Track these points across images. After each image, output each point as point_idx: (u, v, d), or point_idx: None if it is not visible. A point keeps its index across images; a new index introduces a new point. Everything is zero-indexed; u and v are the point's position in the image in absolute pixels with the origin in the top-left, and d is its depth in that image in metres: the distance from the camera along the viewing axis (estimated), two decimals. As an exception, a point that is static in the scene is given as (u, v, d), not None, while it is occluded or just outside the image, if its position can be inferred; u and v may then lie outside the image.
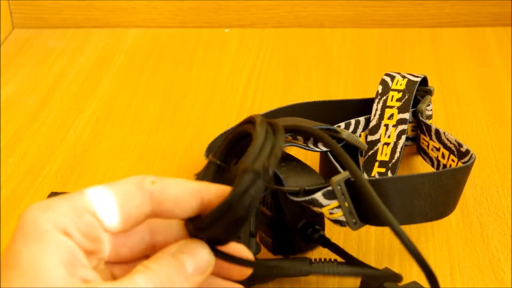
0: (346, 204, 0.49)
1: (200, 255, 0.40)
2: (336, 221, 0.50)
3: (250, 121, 0.44)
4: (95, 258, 0.40)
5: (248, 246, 0.48)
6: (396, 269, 0.53)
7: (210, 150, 0.60)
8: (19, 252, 0.36)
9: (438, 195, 0.52)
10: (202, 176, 0.45)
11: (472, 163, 0.55)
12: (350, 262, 0.51)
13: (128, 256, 0.42)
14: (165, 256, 0.40)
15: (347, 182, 0.49)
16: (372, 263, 0.55)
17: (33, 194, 0.64)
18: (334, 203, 0.49)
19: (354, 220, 0.50)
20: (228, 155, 0.45)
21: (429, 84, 0.64)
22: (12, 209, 0.62)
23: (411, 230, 0.57)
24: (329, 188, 0.49)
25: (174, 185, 0.40)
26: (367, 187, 0.44)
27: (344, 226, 0.50)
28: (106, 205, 0.39)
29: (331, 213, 0.50)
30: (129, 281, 0.38)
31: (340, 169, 0.53)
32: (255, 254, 0.49)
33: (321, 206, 0.50)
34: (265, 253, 0.54)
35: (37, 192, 0.64)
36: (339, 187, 0.49)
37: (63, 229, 0.37)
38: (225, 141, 0.46)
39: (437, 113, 0.71)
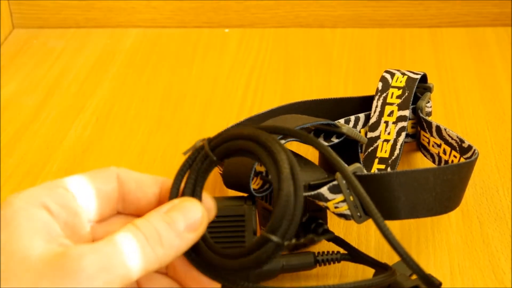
0: (351, 198, 0.49)
1: (192, 212, 0.41)
2: (341, 215, 0.50)
3: (272, 155, 0.41)
4: (75, 234, 0.41)
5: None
6: (396, 268, 0.53)
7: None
8: None
9: (443, 189, 0.52)
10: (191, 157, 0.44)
11: (476, 159, 0.55)
12: (354, 255, 0.52)
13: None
14: (156, 213, 0.41)
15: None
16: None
17: (33, 194, 0.64)
18: (340, 197, 0.49)
19: (359, 214, 0.50)
20: (221, 150, 0.44)
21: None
22: (12, 209, 0.62)
23: (411, 230, 0.57)
24: (335, 182, 0.49)
25: (138, 172, 0.44)
26: (354, 183, 0.46)
27: (349, 219, 0.50)
28: (77, 181, 0.42)
29: (336, 207, 0.50)
30: (109, 241, 0.38)
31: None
32: None
33: (326, 200, 0.50)
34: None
35: (37, 192, 0.64)
36: (344, 181, 0.49)
37: (40, 203, 0.39)
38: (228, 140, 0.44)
39: (437, 113, 0.71)
